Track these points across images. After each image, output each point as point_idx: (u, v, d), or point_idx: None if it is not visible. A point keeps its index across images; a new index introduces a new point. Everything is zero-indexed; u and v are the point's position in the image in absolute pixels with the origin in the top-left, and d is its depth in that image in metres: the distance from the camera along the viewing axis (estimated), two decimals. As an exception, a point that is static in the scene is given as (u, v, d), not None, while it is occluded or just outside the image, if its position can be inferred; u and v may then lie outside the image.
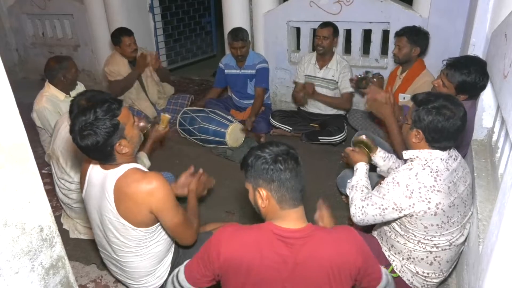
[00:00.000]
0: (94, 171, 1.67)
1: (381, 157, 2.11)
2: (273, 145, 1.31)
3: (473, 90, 2.12)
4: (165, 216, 1.62)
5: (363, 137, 2.15)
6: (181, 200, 2.11)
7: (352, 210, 1.79)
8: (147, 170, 1.65)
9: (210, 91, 4.27)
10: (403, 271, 1.80)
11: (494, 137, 2.13)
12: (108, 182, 1.58)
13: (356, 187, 1.87)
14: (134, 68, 3.85)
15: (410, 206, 1.60)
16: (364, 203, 1.73)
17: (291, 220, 1.29)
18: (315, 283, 1.26)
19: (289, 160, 1.27)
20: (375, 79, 2.98)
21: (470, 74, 2.06)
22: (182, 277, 1.39)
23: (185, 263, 1.43)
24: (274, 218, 1.31)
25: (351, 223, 2.48)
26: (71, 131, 1.52)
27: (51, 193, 2.67)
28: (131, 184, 1.55)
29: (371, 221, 1.74)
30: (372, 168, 2.14)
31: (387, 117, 2.24)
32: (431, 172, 1.61)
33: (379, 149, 2.12)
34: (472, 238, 1.73)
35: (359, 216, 1.75)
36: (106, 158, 1.58)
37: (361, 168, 1.96)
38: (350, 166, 2.22)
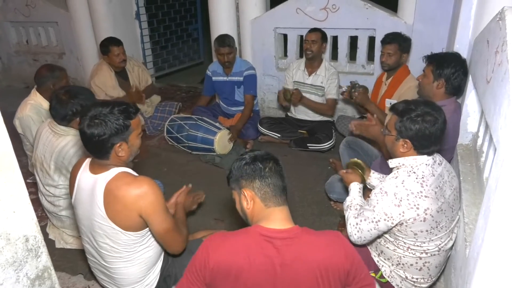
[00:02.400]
0: (84, 176, 1.66)
1: (376, 178, 2.12)
2: (254, 151, 1.42)
3: (450, 76, 2.17)
4: (154, 220, 1.61)
5: (357, 159, 2.16)
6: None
7: (348, 229, 1.79)
8: (137, 174, 1.64)
9: (199, 99, 4.24)
10: (392, 277, 1.81)
11: (479, 142, 2.16)
12: (98, 186, 1.58)
13: (350, 206, 1.88)
14: (126, 96, 3.79)
15: (400, 214, 1.61)
16: (357, 220, 1.74)
17: (276, 219, 1.31)
18: (304, 286, 1.26)
19: (268, 160, 1.35)
20: (360, 89, 2.99)
21: (447, 56, 2.21)
22: None
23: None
24: (260, 219, 1.33)
25: (341, 229, 2.49)
26: (83, 116, 1.54)
27: (37, 202, 2.62)
28: (121, 187, 1.55)
29: (368, 237, 1.73)
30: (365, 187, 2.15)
31: (377, 137, 2.28)
32: (417, 178, 1.63)
33: (372, 171, 2.14)
34: (459, 242, 1.75)
35: (355, 234, 1.74)
36: (102, 153, 1.59)
37: (354, 187, 1.98)
38: (338, 172, 2.24)
